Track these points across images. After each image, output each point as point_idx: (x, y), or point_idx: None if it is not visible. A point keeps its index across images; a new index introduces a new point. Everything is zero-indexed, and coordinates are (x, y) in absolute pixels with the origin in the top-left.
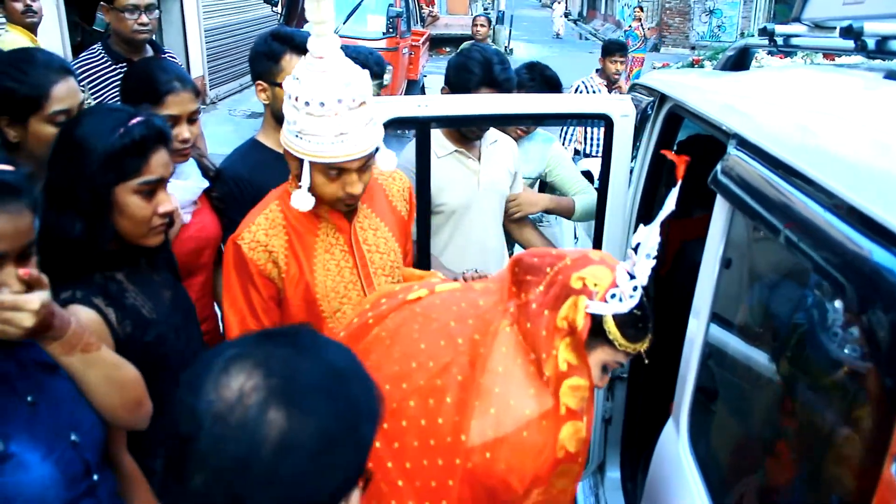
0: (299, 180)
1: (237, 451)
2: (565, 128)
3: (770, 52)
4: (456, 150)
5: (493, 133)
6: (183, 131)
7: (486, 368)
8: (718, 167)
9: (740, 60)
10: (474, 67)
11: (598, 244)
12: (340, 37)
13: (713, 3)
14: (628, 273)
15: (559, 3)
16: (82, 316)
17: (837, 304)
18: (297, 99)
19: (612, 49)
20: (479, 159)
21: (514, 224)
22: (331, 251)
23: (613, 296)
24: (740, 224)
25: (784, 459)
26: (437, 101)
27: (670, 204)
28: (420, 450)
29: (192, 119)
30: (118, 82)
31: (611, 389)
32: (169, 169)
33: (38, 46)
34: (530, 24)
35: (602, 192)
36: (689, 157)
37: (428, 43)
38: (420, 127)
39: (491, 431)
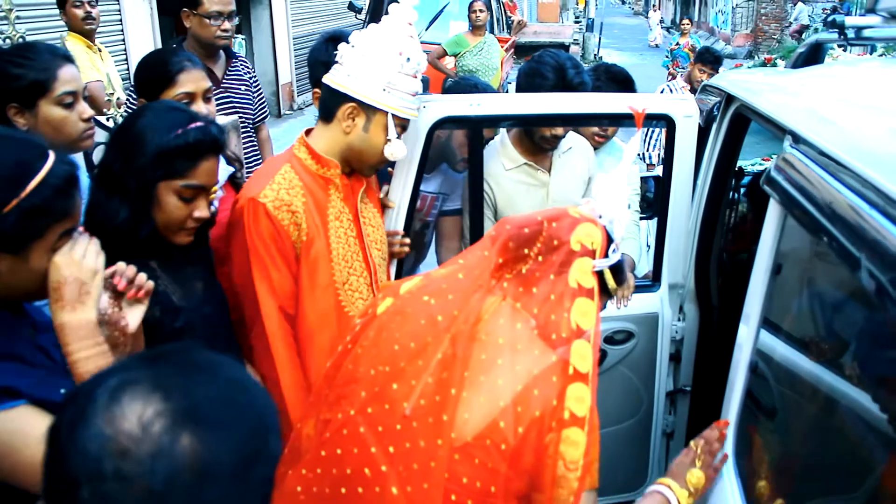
0: (347, 129)
1: (153, 486)
2: (648, 131)
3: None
4: (525, 163)
5: (567, 140)
6: (201, 108)
7: (486, 343)
8: (771, 165)
9: (812, 57)
10: (547, 72)
11: (659, 250)
12: (423, 43)
13: (811, 9)
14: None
15: (655, 10)
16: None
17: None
18: (400, 54)
19: (706, 59)
20: (549, 171)
21: None
22: (340, 218)
23: (614, 251)
24: (792, 226)
25: (833, 483)
26: (490, 100)
27: (634, 145)
28: (403, 433)
29: (206, 97)
30: None
31: (673, 403)
32: (214, 179)
33: (90, 52)
34: (622, 32)
35: (664, 196)
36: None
37: (513, 50)
38: (472, 127)
39: (503, 402)
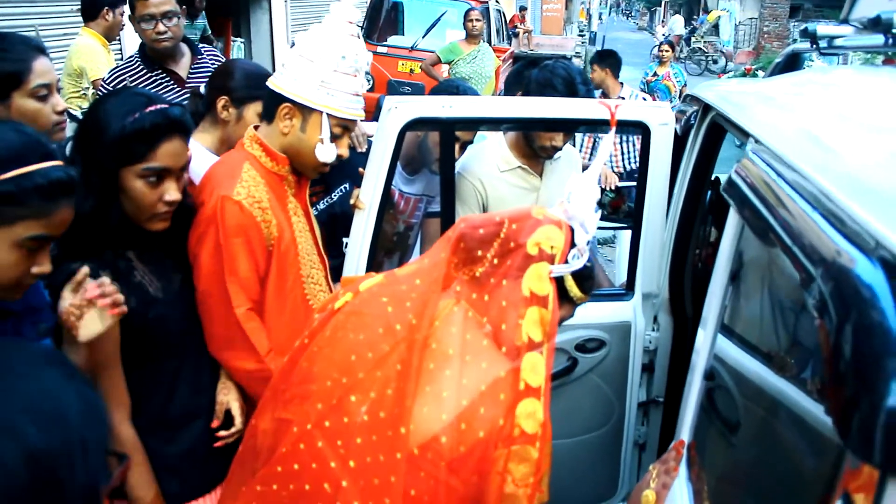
0: (283, 132)
1: None
2: (625, 146)
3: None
4: (519, 166)
5: None
6: None
7: (435, 352)
8: (732, 171)
9: (790, 66)
10: (558, 84)
11: (634, 259)
12: (419, 51)
13: (815, 28)
14: (581, 227)
15: (662, 25)
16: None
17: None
18: (335, 52)
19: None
20: (540, 176)
21: None
22: (297, 213)
23: (575, 256)
24: (749, 233)
25: (783, 492)
26: (462, 103)
27: (606, 147)
28: (363, 447)
29: None
30: (152, 88)
31: (646, 414)
32: (180, 160)
33: (105, 51)
34: (625, 47)
35: (639, 205)
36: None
37: (511, 60)
38: (444, 129)
39: (445, 415)
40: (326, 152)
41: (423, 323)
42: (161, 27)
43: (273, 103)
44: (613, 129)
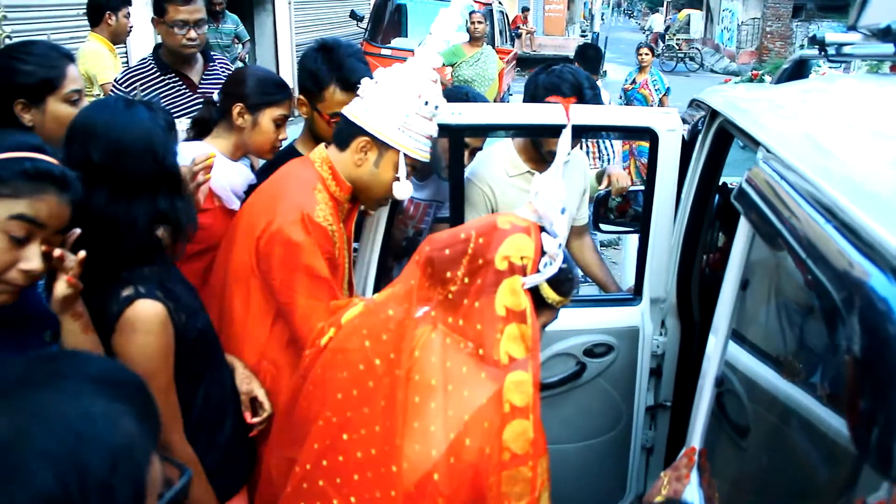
0: (361, 165)
1: None
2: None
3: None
4: (528, 171)
5: None
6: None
7: (419, 384)
8: (743, 179)
9: (797, 73)
10: (566, 89)
11: (642, 264)
12: None
13: (817, 27)
14: (548, 233)
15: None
16: (149, 310)
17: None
18: (419, 96)
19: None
20: None
21: (577, 243)
22: (343, 240)
23: (547, 264)
24: (760, 243)
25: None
26: (471, 109)
27: (564, 144)
28: (360, 483)
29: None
30: (165, 91)
31: (653, 418)
32: None
33: (112, 55)
34: (627, 47)
35: (647, 210)
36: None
37: (514, 62)
38: (453, 135)
39: (435, 451)
40: (403, 189)
41: (401, 357)
42: (193, 34)
43: (349, 132)
44: (569, 123)
